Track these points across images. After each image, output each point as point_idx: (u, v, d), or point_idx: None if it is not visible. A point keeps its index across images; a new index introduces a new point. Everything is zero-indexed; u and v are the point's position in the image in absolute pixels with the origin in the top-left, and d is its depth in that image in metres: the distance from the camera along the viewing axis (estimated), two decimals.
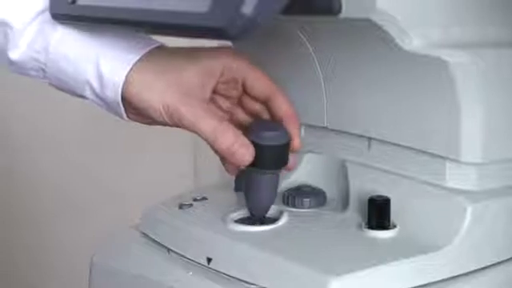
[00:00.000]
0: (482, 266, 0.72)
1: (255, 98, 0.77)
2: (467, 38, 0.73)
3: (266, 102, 0.77)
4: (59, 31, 0.76)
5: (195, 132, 0.73)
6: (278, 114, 0.77)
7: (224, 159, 0.75)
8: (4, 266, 1.70)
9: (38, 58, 0.77)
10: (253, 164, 0.74)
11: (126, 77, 0.73)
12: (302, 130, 0.85)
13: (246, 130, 0.75)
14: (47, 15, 0.77)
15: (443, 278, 0.70)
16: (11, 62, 0.79)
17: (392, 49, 0.71)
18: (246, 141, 0.73)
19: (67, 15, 0.76)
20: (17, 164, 1.68)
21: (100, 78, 0.74)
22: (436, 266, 0.70)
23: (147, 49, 0.75)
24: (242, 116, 0.79)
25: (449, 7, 0.72)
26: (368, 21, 0.69)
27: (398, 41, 0.70)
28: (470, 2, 0.73)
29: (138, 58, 0.74)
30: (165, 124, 0.75)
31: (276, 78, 0.81)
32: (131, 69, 0.73)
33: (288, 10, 0.63)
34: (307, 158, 0.85)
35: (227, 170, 0.78)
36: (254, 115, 0.79)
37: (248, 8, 0.60)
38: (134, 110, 0.75)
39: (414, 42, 0.71)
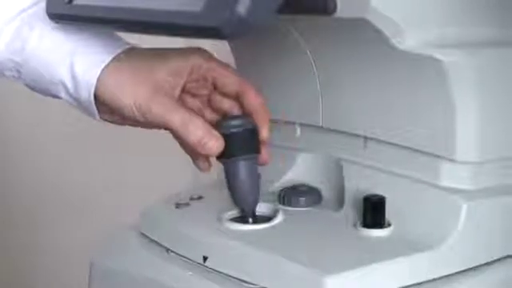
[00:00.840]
0: (477, 264, 0.72)
1: (226, 95, 0.79)
2: (462, 38, 0.73)
3: (237, 98, 0.78)
4: (36, 32, 0.78)
5: (167, 127, 0.75)
6: (248, 109, 0.78)
7: (194, 154, 0.78)
8: (3, 267, 1.70)
9: (14, 59, 0.79)
10: (225, 155, 0.75)
11: (99, 77, 0.75)
12: (298, 129, 0.86)
13: (214, 127, 0.77)
14: (25, 16, 0.78)
15: (438, 276, 0.70)
16: None
17: (387, 48, 0.71)
18: (214, 132, 0.75)
19: (64, 15, 0.76)
20: (16, 164, 1.68)
21: (74, 78, 0.76)
22: (431, 264, 0.70)
23: (120, 50, 0.76)
24: (211, 116, 0.80)
25: (444, 7, 0.72)
26: (363, 20, 0.69)
27: (392, 40, 0.70)
28: (465, 1, 0.74)
29: (110, 58, 0.75)
30: (137, 122, 0.77)
31: (271, 78, 0.82)
32: (103, 69, 0.75)
33: (283, 10, 0.63)
34: (303, 156, 0.85)
35: (199, 167, 0.80)
36: (222, 113, 0.80)
37: (242, 7, 0.60)
38: (107, 109, 0.77)
39: (408, 41, 0.71)
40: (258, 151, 0.77)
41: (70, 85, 0.76)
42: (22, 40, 0.78)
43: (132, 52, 0.77)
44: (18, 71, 0.79)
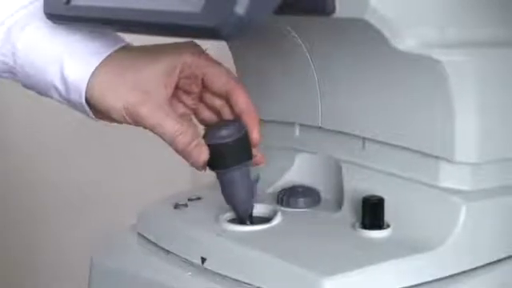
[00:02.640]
0: (476, 265, 0.72)
1: (215, 94, 0.78)
2: (462, 38, 0.73)
3: (226, 98, 0.78)
4: (25, 35, 0.77)
5: (155, 132, 0.75)
6: (237, 110, 0.77)
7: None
8: (3, 267, 1.70)
9: (7, 62, 0.79)
10: (216, 166, 0.75)
11: (89, 80, 0.75)
12: (297, 130, 0.86)
13: (204, 134, 0.77)
14: (14, 19, 0.78)
15: (437, 277, 0.70)
16: None
17: (386, 49, 0.71)
18: (201, 141, 0.75)
19: (61, 15, 0.76)
20: (15, 165, 1.68)
21: (64, 81, 0.76)
22: (430, 265, 0.70)
23: (110, 50, 0.76)
24: (206, 113, 0.80)
25: (443, 7, 0.72)
26: (362, 21, 0.69)
27: (391, 41, 0.70)
28: (465, 1, 0.73)
29: (100, 61, 0.75)
30: (128, 123, 0.76)
31: (270, 78, 0.82)
32: (93, 72, 0.75)
33: (282, 10, 0.63)
34: (301, 157, 0.85)
35: (195, 168, 0.79)
36: (216, 111, 0.79)
37: (241, 8, 0.60)
38: (99, 110, 0.77)
39: (407, 41, 0.71)
40: (250, 157, 0.76)
41: (61, 87, 0.76)
42: (12, 44, 0.77)
43: (123, 52, 0.76)
44: (13, 73, 0.79)
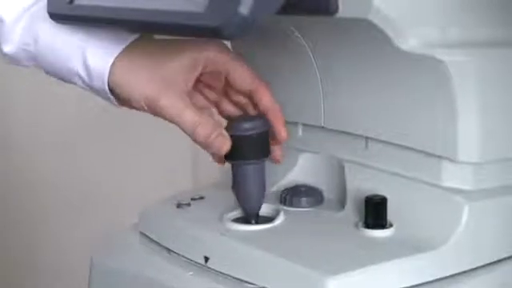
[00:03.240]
0: (479, 265, 0.72)
1: (239, 92, 0.78)
2: (464, 38, 0.73)
3: (249, 96, 0.78)
4: (48, 23, 0.78)
5: (175, 123, 0.75)
6: (261, 108, 0.78)
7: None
8: (3, 267, 1.70)
9: (29, 50, 0.79)
10: (234, 157, 0.75)
11: (110, 68, 0.75)
12: (300, 130, 0.86)
13: (227, 125, 0.77)
14: (37, 7, 0.78)
15: (440, 277, 0.70)
16: (4, 54, 0.81)
17: (389, 48, 0.71)
18: (223, 132, 0.75)
19: (65, 15, 0.76)
20: (15, 164, 1.68)
21: (87, 69, 0.76)
22: (432, 265, 0.70)
23: (131, 38, 0.76)
24: (229, 108, 0.80)
25: (446, 7, 0.72)
26: (365, 21, 0.69)
27: (394, 40, 0.70)
28: (467, 1, 0.73)
29: (121, 49, 0.75)
30: (148, 113, 0.76)
31: (273, 78, 0.82)
32: (114, 61, 0.75)
33: (285, 10, 0.63)
34: (304, 157, 0.85)
35: (215, 160, 0.80)
36: (241, 107, 0.80)
37: (244, 8, 0.60)
38: (120, 99, 0.77)
39: (410, 41, 0.71)
40: (267, 154, 0.77)
41: (83, 74, 0.76)
42: (34, 33, 0.78)
43: (144, 42, 0.76)
44: (36, 61, 0.80)
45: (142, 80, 0.74)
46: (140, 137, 1.59)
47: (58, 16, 0.77)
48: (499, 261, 0.73)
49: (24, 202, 1.69)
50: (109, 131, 1.62)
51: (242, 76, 0.77)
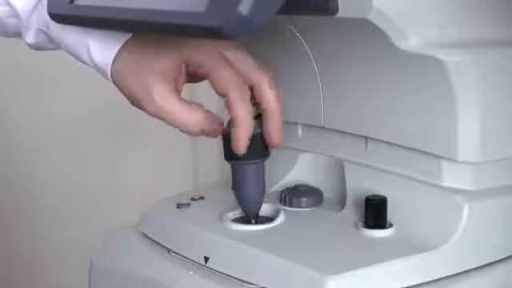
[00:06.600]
0: (479, 265, 0.72)
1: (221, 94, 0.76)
2: (464, 38, 0.73)
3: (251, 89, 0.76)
4: None
5: (164, 120, 0.75)
6: (261, 107, 0.76)
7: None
8: (3, 267, 1.70)
9: (48, 36, 0.82)
10: (234, 157, 0.75)
11: (112, 64, 0.76)
12: (300, 130, 0.86)
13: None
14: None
15: (440, 277, 0.70)
16: (29, 45, 0.84)
17: (389, 48, 0.71)
18: (213, 117, 0.75)
19: (65, 15, 0.76)
20: (15, 165, 1.68)
21: (93, 63, 0.77)
22: (432, 265, 0.70)
23: (129, 35, 0.76)
24: None
25: (446, 7, 0.72)
26: (365, 21, 0.69)
27: (394, 40, 0.70)
28: (467, 1, 0.74)
29: (120, 45, 0.76)
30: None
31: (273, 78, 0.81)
32: (115, 56, 0.76)
33: (285, 10, 0.63)
34: (304, 157, 0.85)
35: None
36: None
37: (245, 8, 0.60)
38: None
39: (410, 41, 0.71)
40: (267, 154, 0.77)
41: (93, 67, 0.78)
42: (46, 25, 0.80)
43: (140, 39, 0.76)
44: (53, 43, 0.82)
45: (129, 81, 0.75)
46: (140, 137, 1.59)
47: (58, 16, 0.77)
48: (499, 261, 0.73)
49: (24, 202, 1.69)
50: (109, 131, 1.62)
51: (218, 81, 0.74)
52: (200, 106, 0.75)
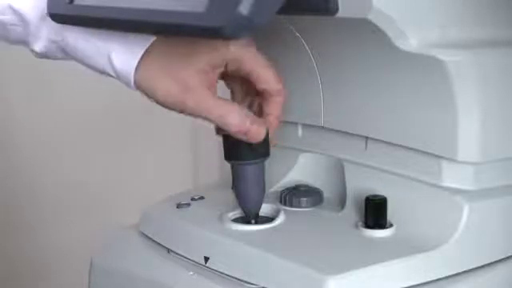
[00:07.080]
0: (479, 265, 0.72)
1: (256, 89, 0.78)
2: (464, 38, 0.73)
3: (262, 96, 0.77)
4: (73, 27, 0.78)
5: (204, 119, 0.74)
6: (264, 111, 0.77)
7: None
8: (3, 267, 1.70)
9: (59, 45, 0.79)
10: (234, 157, 0.76)
11: (135, 71, 0.75)
12: (300, 130, 0.86)
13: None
14: None
15: (440, 277, 0.70)
16: (36, 53, 0.81)
17: (389, 48, 0.71)
18: (255, 118, 0.74)
19: (65, 15, 0.76)
20: (15, 164, 1.68)
21: (114, 70, 0.76)
22: (432, 265, 0.70)
23: (151, 39, 0.75)
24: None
25: (446, 7, 0.72)
26: (365, 21, 0.69)
27: (394, 41, 0.70)
28: (468, 1, 0.74)
29: (143, 51, 0.75)
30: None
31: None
32: (138, 62, 0.74)
33: (285, 10, 0.63)
34: (304, 157, 0.85)
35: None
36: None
37: (245, 8, 0.60)
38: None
39: (410, 41, 0.71)
40: (267, 154, 0.77)
41: (113, 74, 0.76)
42: (60, 33, 0.78)
43: (166, 42, 0.75)
44: (66, 54, 0.80)
45: (163, 82, 0.74)
46: (140, 137, 1.59)
47: (58, 16, 0.77)
48: (499, 261, 0.73)
49: (24, 203, 1.69)
50: (109, 131, 1.62)
51: (264, 77, 0.76)
52: (236, 104, 0.76)
